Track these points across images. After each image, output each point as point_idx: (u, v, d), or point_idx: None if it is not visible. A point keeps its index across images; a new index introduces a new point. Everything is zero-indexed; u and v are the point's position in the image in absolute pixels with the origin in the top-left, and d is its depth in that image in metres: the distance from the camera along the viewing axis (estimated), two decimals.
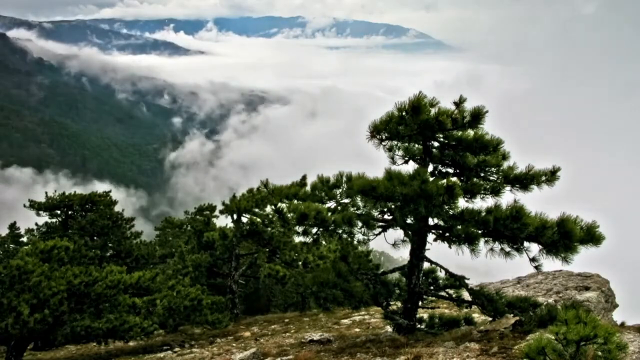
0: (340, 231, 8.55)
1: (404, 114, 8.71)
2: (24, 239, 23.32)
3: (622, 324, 9.69)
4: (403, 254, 9.54)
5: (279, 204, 8.97)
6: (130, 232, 23.06)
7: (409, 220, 8.87)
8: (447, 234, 8.71)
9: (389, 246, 9.31)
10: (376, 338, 9.92)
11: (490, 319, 9.42)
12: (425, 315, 10.02)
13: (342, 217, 8.39)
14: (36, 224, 22.08)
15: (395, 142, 9.16)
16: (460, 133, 8.98)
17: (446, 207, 8.07)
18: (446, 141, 9.09)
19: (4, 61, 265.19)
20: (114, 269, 12.98)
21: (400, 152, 9.34)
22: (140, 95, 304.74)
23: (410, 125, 8.70)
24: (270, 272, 20.02)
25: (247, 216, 19.89)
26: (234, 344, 13.47)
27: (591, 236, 7.81)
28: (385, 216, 8.98)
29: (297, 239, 18.55)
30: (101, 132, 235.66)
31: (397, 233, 9.25)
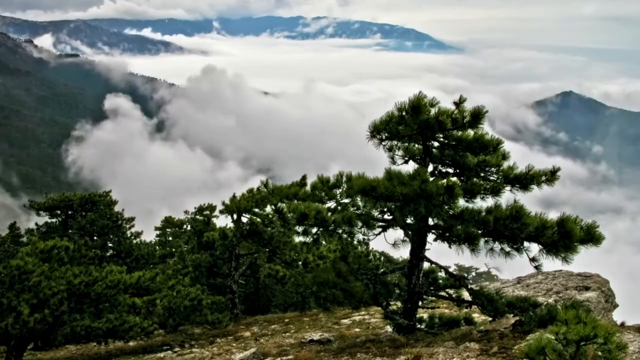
0: (340, 231, 8.55)
1: (404, 113, 8.72)
2: (24, 239, 23.30)
3: (622, 324, 9.69)
4: (403, 254, 9.54)
5: (279, 204, 8.97)
6: (130, 232, 23.05)
7: (409, 220, 8.87)
8: (447, 234, 8.71)
9: (389, 246, 9.31)
10: (376, 338, 9.92)
11: (490, 319, 9.42)
12: (425, 315, 10.01)
13: (342, 217, 8.39)
14: (36, 224, 22.07)
15: (395, 142, 9.16)
16: (460, 133, 8.98)
17: (446, 207, 8.08)
18: (446, 141, 9.09)
19: (4, 61, 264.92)
20: (114, 269, 12.98)
21: (400, 152, 9.35)
22: (141, 95, 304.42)
23: (410, 125, 8.70)
24: (270, 272, 20.02)
25: (247, 216, 19.87)
26: (234, 344, 13.46)
27: (591, 236, 7.81)
28: (385, 216, 8.98)
29: (297, 239, 18.54)
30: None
31: (397, 233, 9.25)
